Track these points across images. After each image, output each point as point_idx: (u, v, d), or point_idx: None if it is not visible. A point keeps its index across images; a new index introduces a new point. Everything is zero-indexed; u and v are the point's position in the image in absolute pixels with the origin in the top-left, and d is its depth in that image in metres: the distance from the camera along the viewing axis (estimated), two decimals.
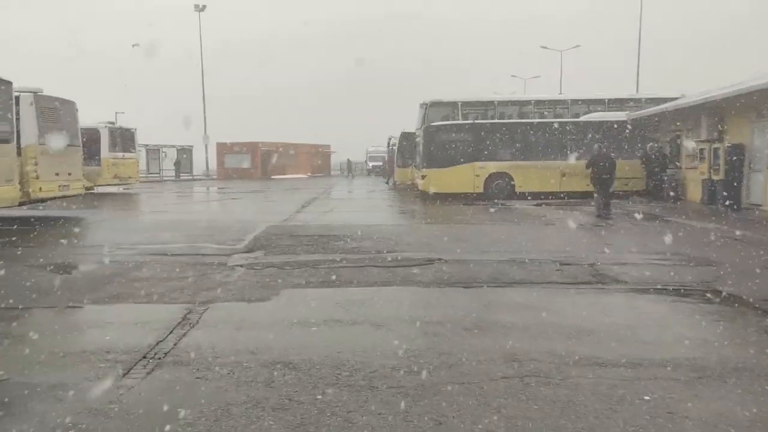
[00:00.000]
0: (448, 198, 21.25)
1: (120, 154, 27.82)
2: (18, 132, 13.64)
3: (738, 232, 11.57)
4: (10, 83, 12.31)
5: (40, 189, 14.27)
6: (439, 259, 8.89)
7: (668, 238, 10.69)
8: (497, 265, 8.46)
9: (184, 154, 49.63)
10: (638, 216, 14.78)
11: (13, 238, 11.23)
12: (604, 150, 16.52)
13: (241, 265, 8.56)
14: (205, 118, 52.40)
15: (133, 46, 68.05)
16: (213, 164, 54.90)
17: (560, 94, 27.51)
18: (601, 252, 9.62)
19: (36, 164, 14.15)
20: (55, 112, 15.07)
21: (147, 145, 44.62)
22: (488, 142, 22.37)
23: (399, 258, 9.03)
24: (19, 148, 13.81)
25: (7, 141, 12.13)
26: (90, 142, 26.14)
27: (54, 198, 15.45)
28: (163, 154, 47.68)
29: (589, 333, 5.26)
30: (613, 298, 6.65)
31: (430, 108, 25.55)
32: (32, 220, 14.39)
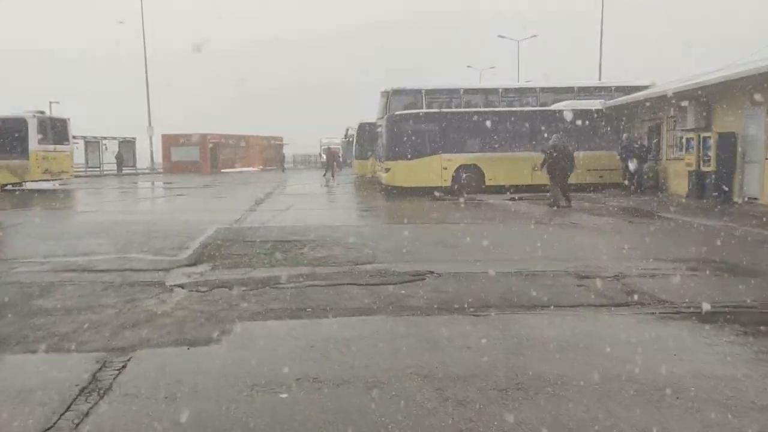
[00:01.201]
0: (413, 192, 19.68)
1: (51, 147, 25.25)
2: None
3: (753, 230, 10.33)
4: None
5: None
6: (430, 273, 7.24)
7: (680, 240, 9.33)
8: (503, 280, 6.87)
9: (127, 146, 46.64)
10: (631, 213, 13.50)
11: None
12: (563, 141, 16.21)
13: (182, 285, 6.73)
14: (149, 107, 49.42)
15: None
16: (159, 157, 51.97)
17: (528, 82, 26.23)
18: (618, 259, 8.15)
19: None
20: None
21: (85, 137, 41.61)
22: (456, 133, 20.84)
23: (380, 271, 7.34)
24: None
25: None
26: (15, 133, 23.62)
27: None
28: (104, 146, 44.61)
29: (680, 394, 3.69)
30: (672, 329, 5.11)
31: (393, 96, 23.95)
32: None
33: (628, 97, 19.94)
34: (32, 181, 24.96)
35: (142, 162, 50.26)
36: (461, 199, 17.77)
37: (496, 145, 20.80)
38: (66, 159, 26.42)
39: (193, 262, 8.07)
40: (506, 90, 24.98)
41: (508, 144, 20.83)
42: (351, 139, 44.40)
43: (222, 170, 50.25)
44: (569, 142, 17.83)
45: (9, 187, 24.62)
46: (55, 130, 25.72)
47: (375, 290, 6.46)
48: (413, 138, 20.82)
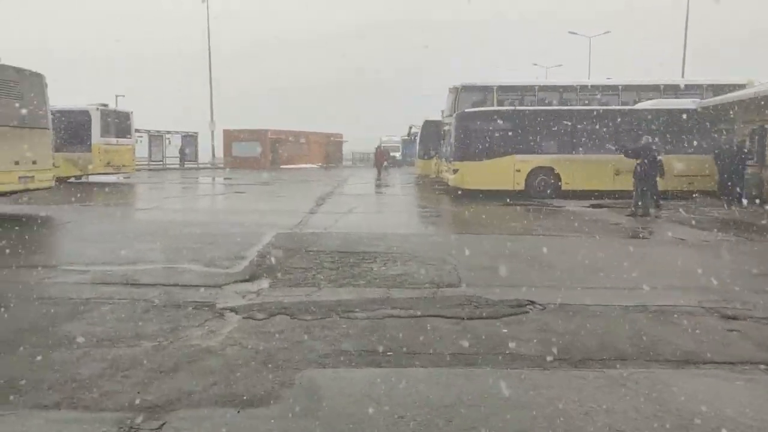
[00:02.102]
0: (482, 196, 18.28)
1: (114, 140, 25.01)
2: None
3: None
4: None
5: None
6: (531, 303, 5.94)
7: None
8: (626, 318, 5.50)
9: (189, 141, 46.76)
10: (740, 226, 11.78)
11: None
12: (652, 143, 14.88)
13: (235, 310, 5.65)
14: (211, 103, 49.48)
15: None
16: (220, 152, 52.04)
17: (608, 79, 24.39)
18: (759, 290, 6.64)
19: None
20: (14, 85, 12.18)
21: (149, 131, 41.82)
22: (531, 132, 19.28)
23: (469, 299, 6.08)
24: None
25: None
26: (79, 126, 23.43)
27: (12, 192, 12.58)
28: (167, 140, 44.80)
29: None
30: None
31: (462, 93, 22.70)
32: None
33: (731, 95, 17.95)
34: (94, 174, 24.77)
35: (204, 157, 50.42)
36: (537, 205, 16.30)
37: (575, 147, 19.15)
38: (128, 152, 26.18)
39: (249, 277, 7.00)
40: (584, 87, 23.28)
41: (588, 145, 19.13)
42: (413, 138, 43.19)
43: (281, 166, 49.89)
44: (658, 145, 16.23)
45: (72, 179, 24.50)
46: (118, 123, 25.49)
47: (468, 327, 5.21)
48: (484, 137, 19.41)
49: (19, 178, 12.13)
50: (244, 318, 5.39)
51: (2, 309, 5.55)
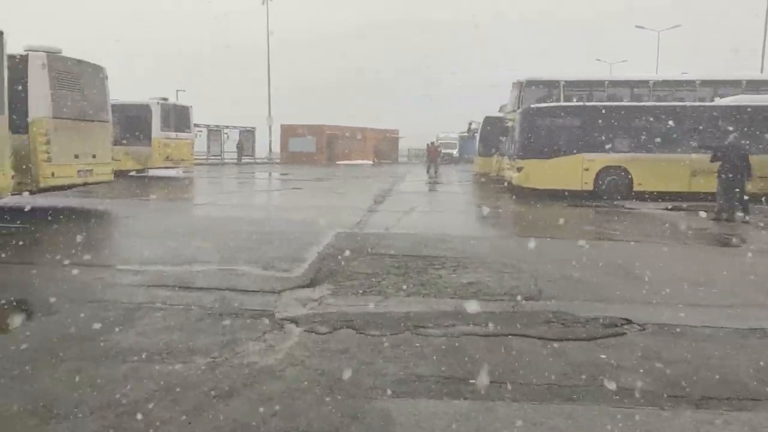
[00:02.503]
0: (547, 195, 17.37)
1: (173, 134, 25.13)
2: (22, 101, 10.70)
3: None
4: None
5: (53, 174, 11.33)
6: (627, 322, 5.21)
7: None
8: (749, 345, 4.72)
9: (247, 135, 47.09)
10: None
11: None
12: (740, 142, 13.85)
13: (296, 321, 5.13)
14: (269, 98, 49.76)
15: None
16: (276, 147, 52.30)
17: (684, 74, 22.98)
18: None
19: (48, 143, 11.19)
20: (76, 78, 12.08)
21: (208, 126, 42.27)
22: (601, 130, 18.18)
23: (556, 315, 5.40)
24: (24, 122, 10.90)
25: None
26: (140, 120, 23.63)
27: (72, 186, 12.51)
28: (225, 135, 45.25)
29: None
30: None
31: (526, 88, 21.76)
32: (35, 212, 11.49)
33: None
34: (154, 168, 24.96)
35: (261, 151, 50.76)
36: (608, 207, 15.34)
37: (649, 145, 17.96)
38: (187, 147, 26.30)
39: (310, 282, 6.49)
40: (658, 83, 21.98)
41: (664, 144, 17.93)
42: (473, 134, 42.24)
43: (337, 162, 49.74)
44: (745, 144, 15.02)
45: (133, 173, 24.76)
46: (178, 117, 25.62)
47: (560, 350, 4.53)
48: (551, 134, 18.47)
49: (78, 171, 12.03)
50: (305, 331, 4.86)
51: (51, 313, 5.19)
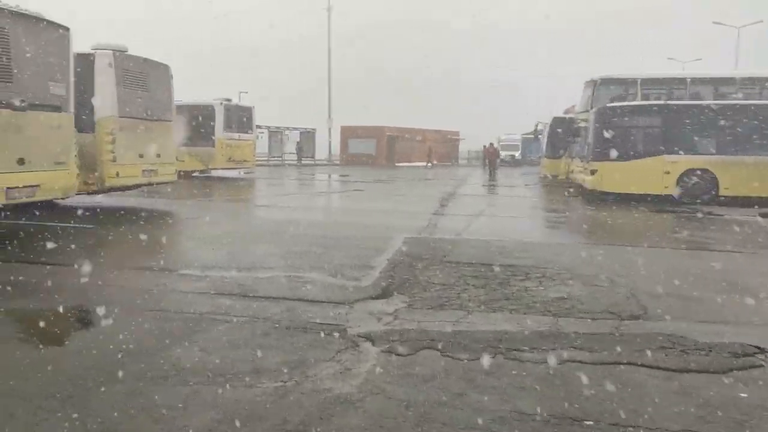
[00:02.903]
0: (623, 200, 16.32)
1: (236, 135, 25.16)
2: (88, 100, 10.59)
3: None
4: (65, 30, 9.09)
5: (118, 174, 11.20)
6: (761, 351, 4.43)
7: None
8: None
9: (307, 137, 47.22)
10: None
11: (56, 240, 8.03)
12: None
13: (371, 338, 4.57)
14: (329, 99, 49.81)
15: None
16: (336, 148, 52.30)
17: None
18: None
19: (113, 143, 11.07)
20: (142, 77, 11.94)
21: (269, 127, 42.54)
22: (684, 130, 17.01)
23: (670, 339, 4.65)
24: (90, 121, 10.79)
25: (57, 108, 8.92)
26: (203, 121, 23.71)
27: (137, 186, 12.40)
28: (286, 136, 45.48)
29: None
30: None
31: (600, 86, 20.69)
32: (98, 211, 11.38)
33: None
34: (216, 169, 25.05)
35: (321, 153, 50.84)
36: (693, 212, 14.23)
37: (738, 147, 16.67)
38: (248, 148, 26.30)
39: (382, 293, 5.93)
40: (746, 80, 20.49)
41: (754, 146, 16.61)
42: (538, 136, 41.02)
43: (396, 164, 49.29)
44: None
45: (196, 173, 24.89)
46: (241, 118, 25.64)
47: (686, 385, 3.82)
48: (629, 135, 17.40)
49: (143, 171, 11.89)
50: (383, 351, 4.30)
51: (108, 323, 4.80)
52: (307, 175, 32.08)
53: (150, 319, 4.92)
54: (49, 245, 7.63)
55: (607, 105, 18.01)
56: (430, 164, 47.55)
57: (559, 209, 15.32)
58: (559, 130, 27.46)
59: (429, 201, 16.48)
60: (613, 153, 17.27)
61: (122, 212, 11.94)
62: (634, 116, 17.47)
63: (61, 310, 5.15)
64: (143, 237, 8.92)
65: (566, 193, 20.43)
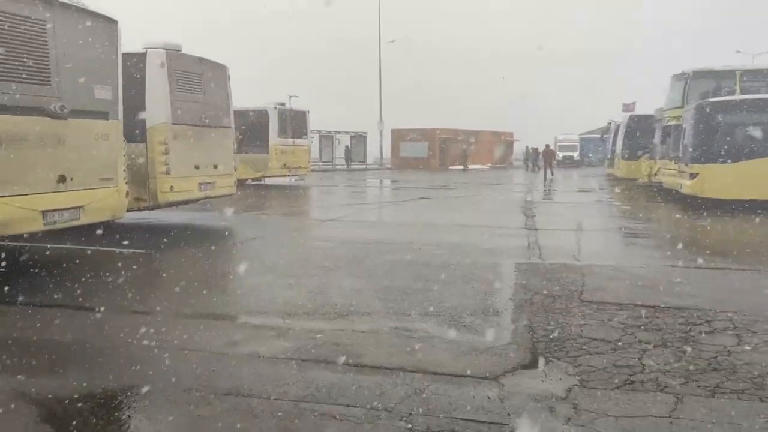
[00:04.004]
0: (729, 207, 14.27)
1: (290, 140, 23.89)
2: (138, 105, 9.31)
3: None
4: (113, 23, 7.76)
5: (172, 189, 9.89)
6: None
7: None
8: None
9: (358, 141, 45.92)
10: None
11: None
12: None
13: None
14: (381, 102, 48.39)
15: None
16: (387, 152, 50.89)
17: None
18: None
19: (166, 153, 9.76)
20: (197, 78, 10.61)
21: (320, 131, 41.36)
22: None
23: None
24: (141, 129, 9.52)
25: (104, 115, 7.59)
26: (257, 126, 22.51)
27: (193, 200, 11.09)
28: (337, 140, 44.26)
29: None
30: None
31: (693, 80, 18.60)
32: (148, 230, 10.05)
33: None
34: (271, 176, 23.82)
35: (371, 157, 49.51)
36: None
37: None
38: (304, 154, 25.00)
39: (533, 358, 4.31)
40: None
41: None
42: (604, 136, 38.70)
43: (450, 167, 47.49)
44: None
45: (249, 181, 23.68)
46: (295, 123, 24.36)
47: None
48: (736, 133, 15.34)
49: (199, 184, 10.56)
50: None
51: (157, 417, 3.32)
52: (361, 182, 30.65)
53: (218, 413, 3.41)
54: (87, 279, 6.29)
55: (711, 100, 15.95)
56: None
57: (662, 219, 13.36)
58: (636, 130, 25.39)
59: (509, 212, 14.78)
60: (718, 154, 15.27)
61: (175, 231, 10.63)
62: (742, 112, 15.39)
63: (77, 396, 3.68)
64: (202, 265, 7.53)
65: (657, 199, 18.42)
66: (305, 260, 7.94)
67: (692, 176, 15.73)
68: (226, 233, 10.87)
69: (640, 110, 29.21)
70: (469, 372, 4.06)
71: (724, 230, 11.45)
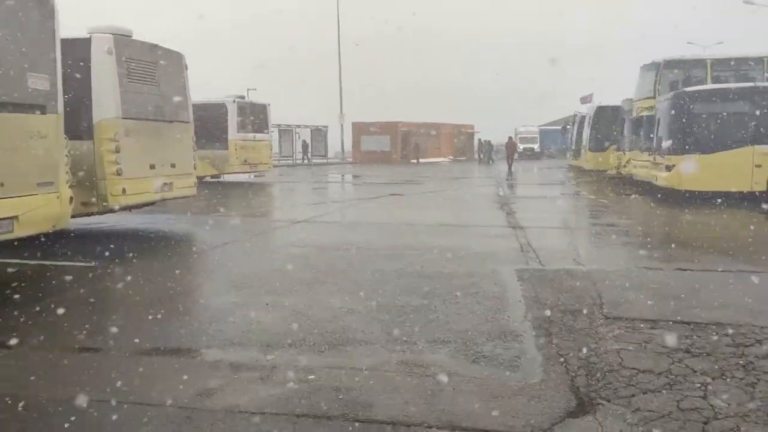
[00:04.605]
0: (701, 199, 14.01)
1: (250, 135, 22.73)
2: (83, 97, 8.23)
3: None
4: (47, 1, 6.64)
5: (124, 191, 8.80)
6: None
7: None
8: None
9: (318, 135, 44.78)
10: None
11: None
12: None
13: None
14: (341, 95, 47.32)
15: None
16: (348, 146, 49.88)
17: None
18: None
19: (117, 151, 8.68)
20: (151, 67, 9.52)
21: (279, 125, 40.07)
22: None
23: None
24: (86, 125, 8.44)
25: (39, 108, 6.48)
26: (215, 121, 21.27)
27: (148, 204, 10.00)
28: (296, 134, 43.03)
29: None
30: None
31: (664, 70, 18.24)
32: (98, 236, 8.96)
33: None
34: (231, 173, 22.65)
35: (332, 150, 48.46)
36: None
37: None
38: (265, 149, 23.87)
39: (578, 401, 3.53)
40: None
41: None
42: (566, 127, 38.53)
43: (411, 160, 46.76)
44: None
45: (208, 178, 22.42)
46: (255, 116, 23.19)
47: None
48: (714, 124, 14.99)
49: (156, 186, 9.50)
50: None
51: None
52: (325, 177, 29.67)
53: None
54: (17, 304, 5.26)
55: (690, 89, 15.58)
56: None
57: (647, 214, 12.83)
58: (603, 121, 25.11)
59: (487, 208, 14.16)
60: (696, 145, 14.93)
61: (129, 238, 9.58)
62: (718, 101, 15.03)
63: None
64: (162, 281, 6.55)
65: (629, 191, 18.07)
66: (281, 272, 6.99)
67: (669, 168, 15.33)
68: (187, 240, 9.83)
69: (597, 102, 29.13)
70: (507, 424, 3.26)
71: (715, 226, 10.97)
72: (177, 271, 7.22)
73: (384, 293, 5.93)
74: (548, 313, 5.21)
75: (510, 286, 6.22)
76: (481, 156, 46.57)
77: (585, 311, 5.24)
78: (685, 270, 7.04)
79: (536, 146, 55.02)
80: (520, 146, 51.85)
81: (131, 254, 7.90)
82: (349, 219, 12.54)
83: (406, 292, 5.97)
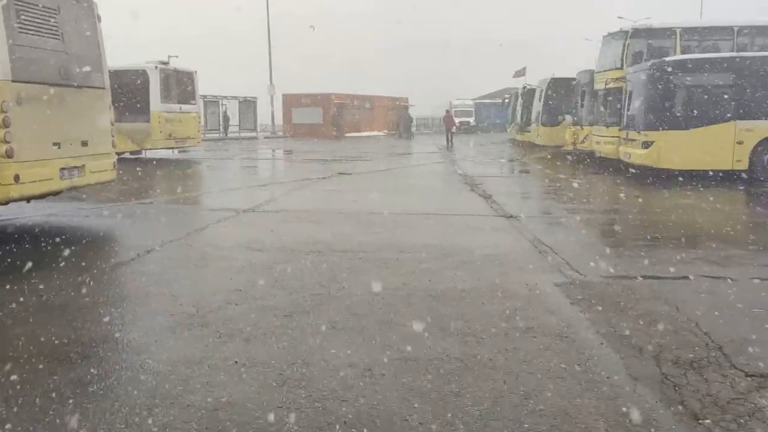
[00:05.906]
0: (678, 177, 13.07)
1: (176, 107, 20.17)
2: None
3: None
4: None
5: (17, 179, 6.59)
6: None
7: None
8: None
9: (247, 106, 41.86)
10: None
11: None
12: None
13: None
14: (270, 65, 44.51)
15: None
16: (279, 119, 47.24)
17: None
18: None
19: (6, 126, 6.43)
20: (51, 16, 7.22)
21: (205, 96, 36.97)
22: (762, 89, 13.71)
23: None
24: None
25: None
26: (134, 90, 18.65)
27: (52, 194, 7.73)
28: (224, 106, 40.00)
29: None
30: None
31: (632, 39, 17.12)
32: None
33: None
34: (153, 149, 20.07)
35: (262, 124, 45.72)
36: None
37: None
38: (193, 122, 21.34)
39: None
40: None
41: None
42: (505, 100, 37.49)
43: (345, 134, 44.65)
44: None
45: (127, 155, 19.75)
46: (181, 85, 20.61)
47: None
48: (689, 97, 13.95)
49: (61, 170, 7.29)
50: None
51: None
52: (259, 153, 27.30)
53: None
54: None
55: (670, 58, 14.43)
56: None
57: (641, 197, 11.49)
58: (557, 94, 23.99)
59: (456, 191, 12.63)
60: (677, 120, 13.85)
61: (23, 240, 7.33)
62: (698, 72, 13.94)
63: None
64: (68, 316, 4.51)
65: (594, 170, 16.96)
66: (242, 296, 5.03)
67: (646, 145, 14.19)
68: (104, 242, 7.63)
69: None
70: None
71: (730, 214, 9.77)
72: (90, 298, 5.09)
73: (398, 334, 4.13)
74: (655, 367, 3.59)
75: (565, 313, 4.57)
76: (400, 130, 43.44)
77: (705, 362, 3.66)
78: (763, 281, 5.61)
79: (471, 120, 54.03)
80: (456, 120, 50.64)
81: (26, 267, 5.67)
82: (306, 206, 10.54)
83: (430, 330, 4.17)
